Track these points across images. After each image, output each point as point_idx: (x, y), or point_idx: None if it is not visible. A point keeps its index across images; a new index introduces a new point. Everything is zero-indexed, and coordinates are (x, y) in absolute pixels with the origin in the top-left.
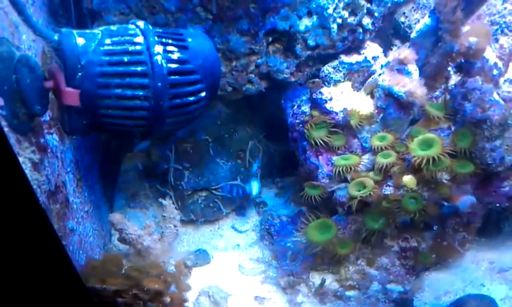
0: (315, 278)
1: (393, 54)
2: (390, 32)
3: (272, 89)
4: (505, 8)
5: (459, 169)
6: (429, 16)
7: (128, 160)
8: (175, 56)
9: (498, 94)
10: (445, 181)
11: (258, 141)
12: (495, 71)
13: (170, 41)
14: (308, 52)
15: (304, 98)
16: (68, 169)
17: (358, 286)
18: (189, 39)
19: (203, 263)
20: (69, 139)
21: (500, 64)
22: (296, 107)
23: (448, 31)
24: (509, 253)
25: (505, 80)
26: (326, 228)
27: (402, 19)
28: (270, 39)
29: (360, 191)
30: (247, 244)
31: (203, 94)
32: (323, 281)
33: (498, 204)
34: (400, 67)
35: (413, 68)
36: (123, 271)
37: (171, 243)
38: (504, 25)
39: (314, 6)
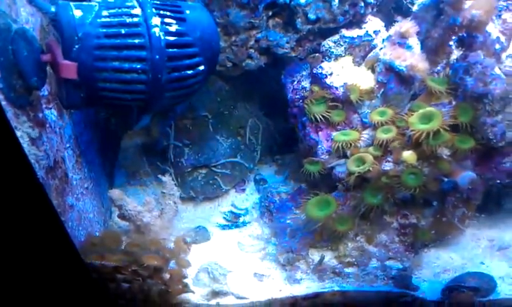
0: (314, 255)
1: (395, 28)
2: (392, 7)
3: (272, 65)
4: None
5: (460, 144)
6: None
7: (128, 138)
8: (173, 28)
9: (500, 69)
10: (445, 156)
11: (258, 117)
12: (497, 46)
13: (168, 13)
14: (309, 26)
15: (304, 73)
16: (67, 145)
17: (356, 263)
18: (187, 12)
19: (203, 240)
20: (68, 114)
21: (502, 39)
22: (295, 83)
23: (450, 4)
24: (509, 231)
25: (507, 56)
26: (325, 204)
27: None
28: (270, 13)
29: (359, 167)
30: (247, 221)
31: (201, 67)
32: (322, 258)
33: (498, 181)
34: (401, 41)
35: (414, 41)
36: (123, 247)
37: (171, 220)
38: (509, 1)
39: None
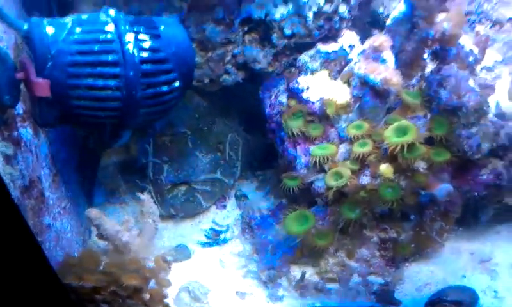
0: (296, 271)
1: (369, 42)
2: (368, 21)
3: (250, 80)
4: None
5: (436, 157)
6: (404, 3)
7: (107, 155)
8: (147, 44)
9: (475, 80)
10: (421, 169)
11: (238, 133)
12: (471, 58)
13: (142, 29)
14: (285, 41)
15: (281, 88)
16: (44, 164)
17: (338, 278)
18: (162, 27)
19: (184, 258)
20: (44, 132)
21: (476, 51)
22: (273, 98)
23: (422, 17)
24: (489, 243)
25: (482, 68)
26: (304, 219)
27: (381, 9)
28: (246, 28)
29: (337, 181)
30: (228, 238)
31: (177, 83)
32: (303, 274)
33: (476, 193)
34: (375, 55)
35: (388, 55)
36: (101, 267)
37: (151, 238)
38: (481, 15)
39: None
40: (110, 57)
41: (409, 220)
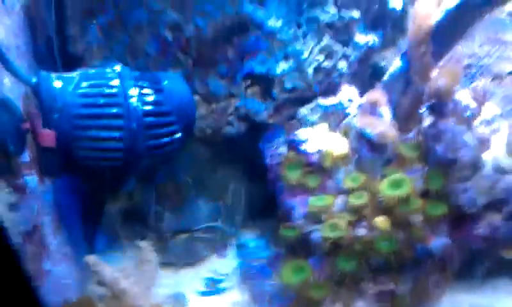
0: None
1: (366, 97)
2: (368, 75)
3: (251, 131)
4: (482, 50)
5: (431, 210)
6: (400, 59)
7: (110, 203)
8: (151, 98)
9: (471, 135)
10: (417, 222)
11: (240, 182)
12: (468, 112)
13: (146, 84)
14: (285, 95)
15: (281, 139)
16: (48, 210)
17: None
18: (165, 82)
19: None
20: (50, 180)
21: (473, 105)
22: (273, 149)
23: (418, 74)
24: (488, 297)
25: (481, 122)
26: (300, 270)
27: (383, 63)
28: (248, 82)
29: (333, 232)
30: (226, 287)
31: (178, 135)
32: None
33: (473, 247)
34: (372, 109)
35: (385, 109)
36: None
37: (149, 286)
38: (481, 69)
39: (290, 50)
40: (114, 110)
41: (406, 274)
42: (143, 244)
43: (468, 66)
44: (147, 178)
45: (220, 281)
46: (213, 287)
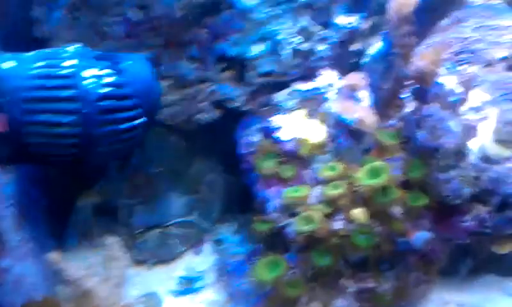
0: None
1: (345, 81)
2: (354, 63)
3: (228, 118)
4: (474, 35)
5: (413, 201)
6: (382, 40)
7: (80, 196)
8: (108, 80)
9: (456, 122)
10: (398, 215)
11: (217, 174)
12: (453, 98)
13: (106, 65)
14: (261, 80)
15: (256, 127)
16: (7, 204)
17: None
18: (126, 63)
19: None
20: (12, 171)
21: (458, 90)
22: (247, 137)
23: (399, 56)
24: (476, 294)
25: (469, 108)
26: (276, 266)
27: (370, 50)
28: (223, 66)
29: (308, 225)
30: (202, 285)
31: (139, 121)
32: None
33: (459, 241)
34: (350, 94)
35: (364, 94)
36: None
37: (118, 285)
38: (472, 53)
39: (266, 31)
40: (67, 93)
41: (387, 269)
42: (110, 240)
43: (460, 51)
44: (117, 169)
45: (196, 279)
46: (188, 286)
